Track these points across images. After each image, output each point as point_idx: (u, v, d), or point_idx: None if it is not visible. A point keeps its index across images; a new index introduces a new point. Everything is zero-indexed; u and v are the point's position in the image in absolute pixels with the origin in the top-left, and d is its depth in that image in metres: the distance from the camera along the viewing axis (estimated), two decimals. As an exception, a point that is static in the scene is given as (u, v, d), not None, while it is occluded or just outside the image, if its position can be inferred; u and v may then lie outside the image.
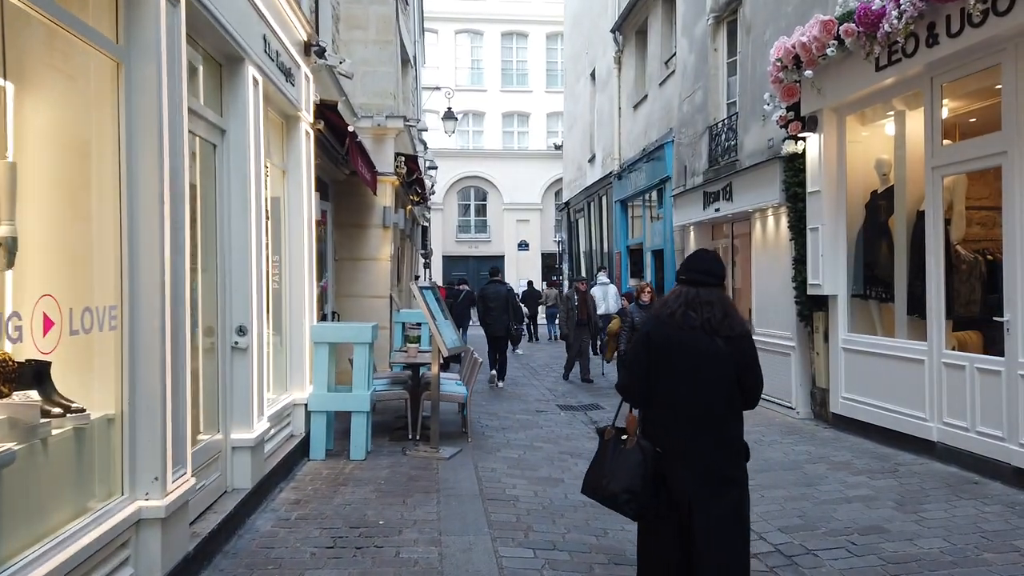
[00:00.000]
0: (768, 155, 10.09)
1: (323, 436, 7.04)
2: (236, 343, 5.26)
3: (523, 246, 37.98)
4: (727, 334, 3.35)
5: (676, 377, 3.37)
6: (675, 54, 14.77)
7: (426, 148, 22.15)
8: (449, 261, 36.54)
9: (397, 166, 11.19)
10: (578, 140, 24.97)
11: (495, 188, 38.33)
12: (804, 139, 8.96)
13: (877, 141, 8.67)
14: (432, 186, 33.15)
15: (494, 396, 11.80)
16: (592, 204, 22.72)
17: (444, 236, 37.08)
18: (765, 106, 9.45)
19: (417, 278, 21.71)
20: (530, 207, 38.07)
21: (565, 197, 27.12)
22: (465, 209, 39.20)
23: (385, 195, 11.16)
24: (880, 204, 8.45)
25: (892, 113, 8.18)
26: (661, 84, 15.71)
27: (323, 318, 9.54)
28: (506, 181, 37.87)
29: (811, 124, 8.78)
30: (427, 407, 7.87)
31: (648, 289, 10.17)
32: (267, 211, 6.13)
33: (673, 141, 14.66)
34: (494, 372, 12.68)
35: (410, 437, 8.02)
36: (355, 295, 10.96)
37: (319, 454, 7.02)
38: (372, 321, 11.05)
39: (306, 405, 7.04)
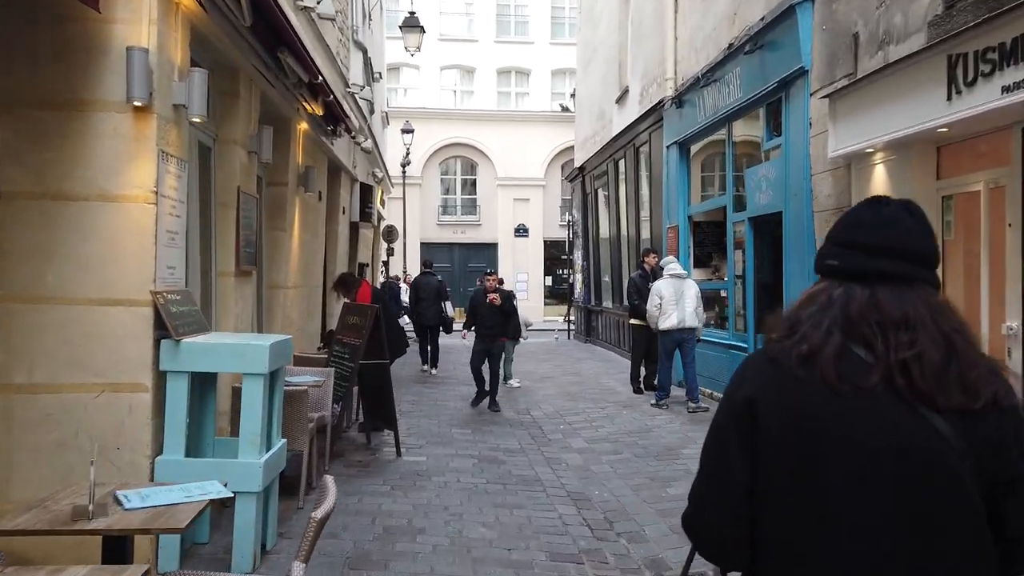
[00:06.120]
0: None
1: None
2: None
3: (521, 231, 30.59)
4: (958, 404, 1.27)
5: (830, 503, 1.31)
6: None
7: (372, 72, 14.88)
8: (428, 249, 28.97)
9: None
10: (597, 79, 17.83)
11: (487, 159, 30.79)
12: None
13: None
14: (407, 155, 26.17)
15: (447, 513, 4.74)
16: (623, 163, 15.57)
17: (423, 218, 29.63)
18: None
19: (363, 267, 14.45)
20: (530, 183, 30.51)
21: (578, 161, 19.89)
22: (449, 185, 31.80)
23: (139, 22, 4.04)
24: None
25: None
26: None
27: None
28: (501, 150, 30.30)
29: None
30: None
31: None
32: None
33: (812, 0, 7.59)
34: (425, 367, 12.79)
35: None
36: (48, 298, 3.87)
37: None
38: (84, 376, 3.96)
39: None
